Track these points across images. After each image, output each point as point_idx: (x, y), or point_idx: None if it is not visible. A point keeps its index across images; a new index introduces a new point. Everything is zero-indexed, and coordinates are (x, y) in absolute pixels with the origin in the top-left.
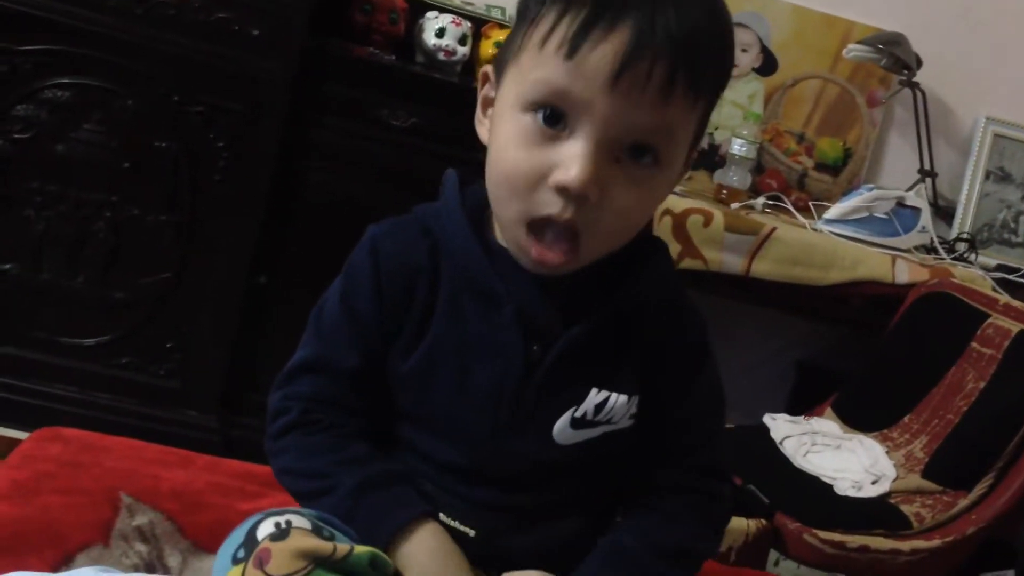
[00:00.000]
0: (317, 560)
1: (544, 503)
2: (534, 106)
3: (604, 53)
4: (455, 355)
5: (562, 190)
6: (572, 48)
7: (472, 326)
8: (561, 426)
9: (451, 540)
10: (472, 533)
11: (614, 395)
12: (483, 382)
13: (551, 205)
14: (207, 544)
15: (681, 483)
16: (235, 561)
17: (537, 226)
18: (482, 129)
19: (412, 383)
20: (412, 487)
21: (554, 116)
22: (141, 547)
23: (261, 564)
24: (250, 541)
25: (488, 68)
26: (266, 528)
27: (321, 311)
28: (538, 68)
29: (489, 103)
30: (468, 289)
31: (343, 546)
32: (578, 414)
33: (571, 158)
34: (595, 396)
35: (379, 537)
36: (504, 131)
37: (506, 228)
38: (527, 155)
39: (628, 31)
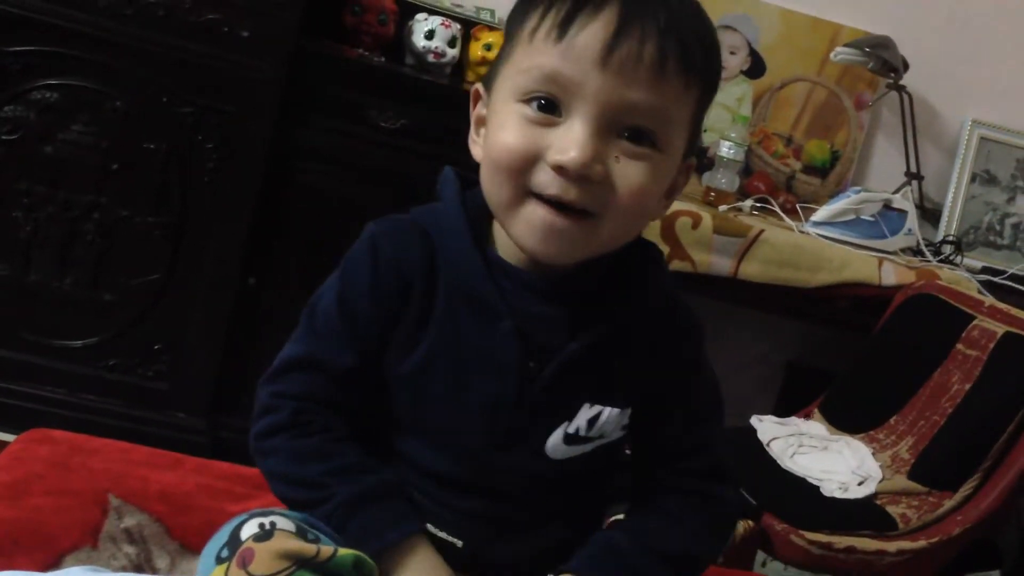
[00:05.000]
0: (300, 561)
1: (532, 514)
2: (528, 95)
3: (593, 32)
4: (450, 366)
5: (560, 170)
6: (561, 32)
7: (469, 338)
8: (554, 442)
9: (442, 560)
10: (460, 544)
11: (607, 409)
12: (478, 396)
13: (551, 185)
14: (195, 546)
15: (680, 485)
16: (219, 560)
17: (543, 199)
18: (475, 148)
19: (407, 388)
20: (404, 500)
21: (549, 104)
22: (129, 549)
23: (244, 564)
24: (234, 541)
25: (478, 86)
26: (250, 528)
27: (314, 308)
28: (529, 58)
29: (482, 122)
30: (466, 300)
31: (327, 548)
32: (571, 430)
33: (568, 139)
34: (587, 411)
35: (369, 552)
36: (498, 122)
37: (505, 217)
38: (522, 135)
39: (615, 11)
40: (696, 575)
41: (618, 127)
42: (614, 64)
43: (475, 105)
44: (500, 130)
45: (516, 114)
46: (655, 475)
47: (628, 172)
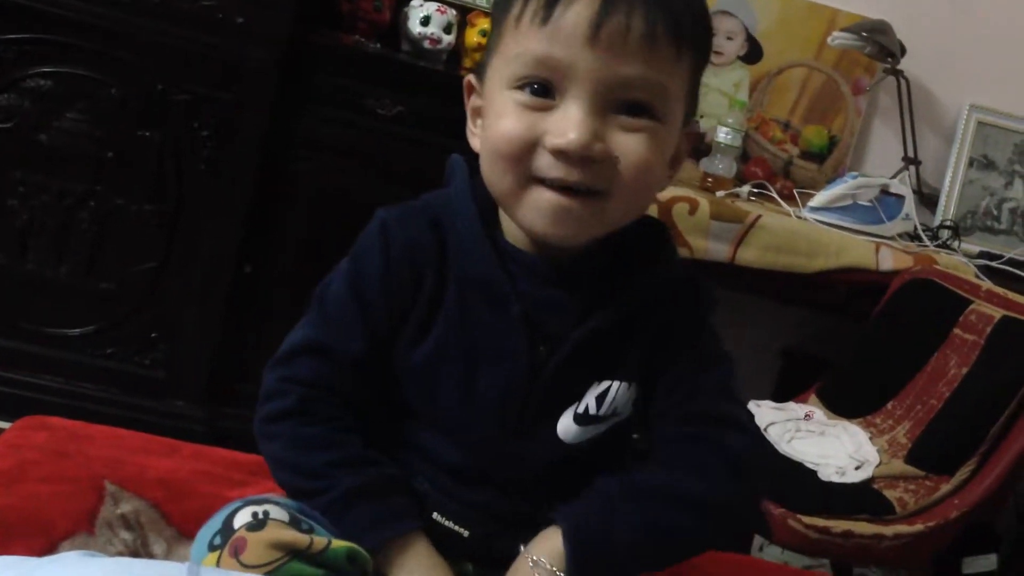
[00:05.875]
0: (293, 552)
1: (540, 505)
2: (520, 81)
3: (577, 11)
4: (461, 354)
5: (560, 154)
6: (546, 14)
7: (479, 325)
8: (565, 424)
9: (440, 558)
10: (466, 533)
11: (615, 384)
12: (489, 385)
13: (553, 169)
14: (192, 532)
15: (672, 436)
16: (211, 547)
17: (547, 182)
18: (474, 139)
19: (418, 378)
20: (405, 495)
21: (542, 88)
22: (126, 535)
23: (236, 553)
24: (227, 529)
25: (471, 77)
26: (243, 517)
27: (325, 294)
28: (517, 45)
29: (478, 113)
30: (475, 287)
31: (320, 539)
32: (580, 409)
33: (565, 122)
34: (596, 388)
35: (365, 546)
36: (494, 112)
37: (511, 205)
38: (519, 122)
39: None
40: (687, 512)
41: (614, 103)
42: (603, 40)
43: (469, 96)
44: (497, 119)
45: (511, 102)
46: (652, 430)
47: (629, 147)
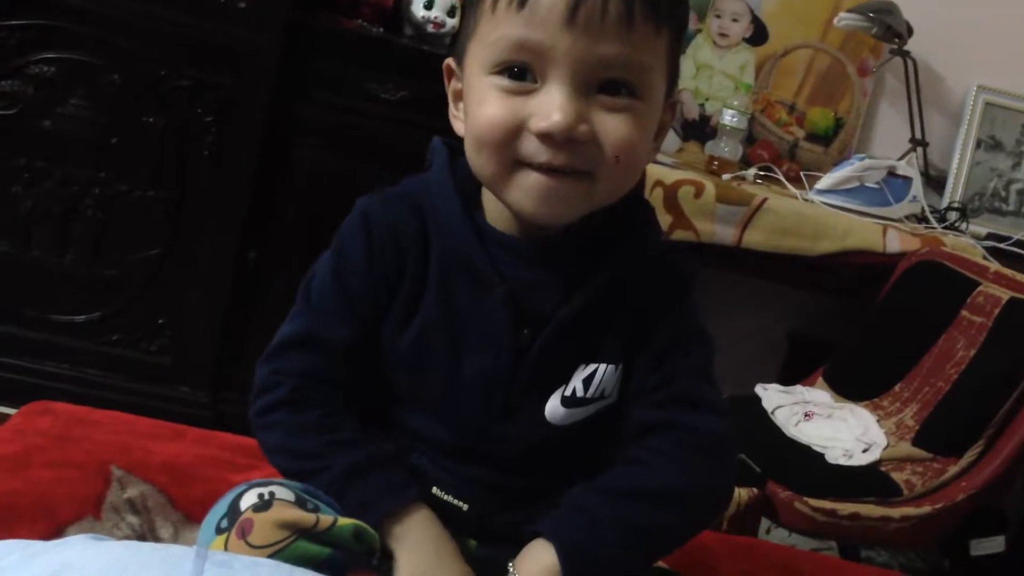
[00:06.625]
0: (299, 531)
1: (537, 481)
2: (499, 66)
3: None
4: (446, 338)
5: (545, 138)
6: None
7: (463, 308)
8: (553, 406)
9: (442, 528)
10: (465, 507)
11: (601, 366)
12: (474, 368)
13: (539, 153)
14: (198, 516)
15: (647, 421)
16: (218, 531)
17: (534, 166)
18: (457, 123)
19: (405, 363)
20: (403, 470)
21: (522, 72)
22: (132, 519)
23: (243, 534)
24: (233, 512)
25: (449, 61)
26: (249, 499)
27: (310, 285)
28: (495, 29)
29: (459, 96)
30: (458, 270)
31: (326, 517)
32: (567, 392)
33: (548, 105)
34: (582, 371)
35: (368, 521)
36: (475, 98)
37: (498, 188)
38: (502, 108)
39: None
40: (667, 506)
41: (595, 83)
42: (580, 22)
43: (449, 80)
44: (479, 105)
45: (492, 87)
46: (628, 415)
47: (613, 126)
